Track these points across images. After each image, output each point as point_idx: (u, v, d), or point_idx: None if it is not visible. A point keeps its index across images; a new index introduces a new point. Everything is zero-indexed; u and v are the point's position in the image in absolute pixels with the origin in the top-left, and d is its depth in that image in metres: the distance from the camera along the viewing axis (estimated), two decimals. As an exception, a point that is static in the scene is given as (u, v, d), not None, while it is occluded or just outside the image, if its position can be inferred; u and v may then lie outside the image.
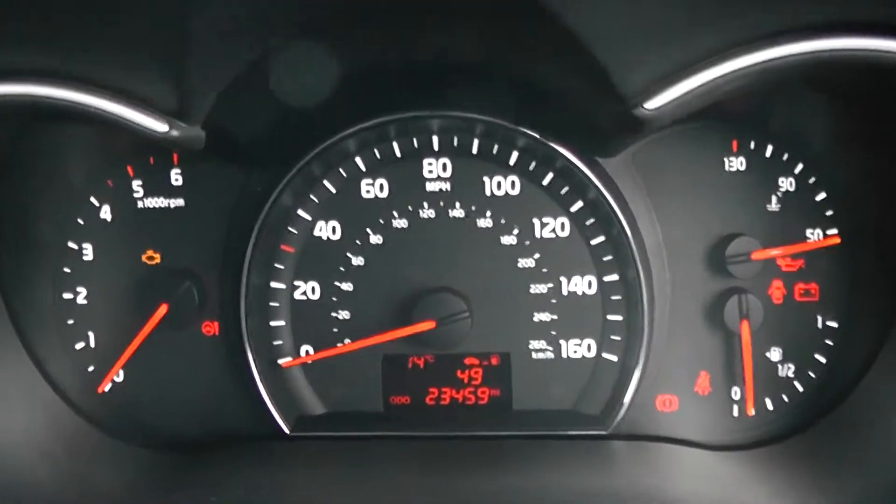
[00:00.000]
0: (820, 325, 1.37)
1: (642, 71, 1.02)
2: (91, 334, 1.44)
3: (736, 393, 1.39)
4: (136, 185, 1.41)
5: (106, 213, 1.42)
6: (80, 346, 1.44)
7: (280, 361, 1.42)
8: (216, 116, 1.12)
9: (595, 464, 1.30)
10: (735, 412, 1.39)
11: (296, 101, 1.26)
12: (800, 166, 1.36)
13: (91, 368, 1.44)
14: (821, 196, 1.35)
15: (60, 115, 1.06)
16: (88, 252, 1.42)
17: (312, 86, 1.24)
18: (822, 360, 1.37)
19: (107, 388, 1.44)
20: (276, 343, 1.43)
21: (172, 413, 1.44)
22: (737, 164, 1.37)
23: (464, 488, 1.21)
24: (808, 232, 1.36)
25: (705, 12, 0.98)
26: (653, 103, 1.03)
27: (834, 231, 1.35)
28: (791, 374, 1.38)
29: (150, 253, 1.43)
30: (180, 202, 1.42)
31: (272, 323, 1.43)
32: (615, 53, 1.00)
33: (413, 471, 1.28)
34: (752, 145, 1.36)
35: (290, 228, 1.41)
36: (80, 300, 1.43)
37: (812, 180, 1.35)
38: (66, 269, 1.42)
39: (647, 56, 1.01)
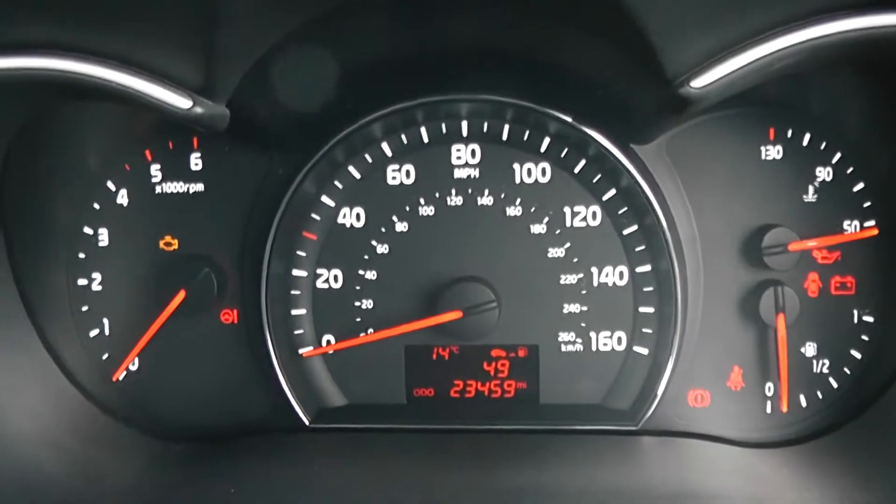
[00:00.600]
0: (856, 319, 1.35)
1: (691, 49, 1.01)
2: (106, 321, 1.42)
3: (769, 389, 1.37)
4: (154, 169, 1.39)
5: (123, 197, 1.40)
6: (94, 333, 1.42)
7: (301, 351, 1.41)
8: (242, 95, 1.10)
9: (624, 460, 1.29)
10: (768, 408, 1.38)
11: (323, 84, 1.24)
12: (837, 156, 1.34)
13: (105, 356, 1.42)
14: (858, 187, 1.34)
15: (82, 90, 1.03)
16: (104, 237, 1.40)
17: (340, 69, 1.22)
18: (858, 355, 1.35)
19: (121, 377, 1.42)
20: (296, 332, 1.41)
21: (188, 403, 1.43)
22: (773, 152, 1.35)
23: (488, 483, 1.19)
24: (846, 223, 1.34)
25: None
26: (699, 81, 1.02)
27: (871, 223, 1.33)
28: (826, 370, 1.36)
29: (167, 239, 1.40)
30: (199, 187, 1.39)
31: (293, 311, 1.41)
32: (664, 32, 0.98)
33: (436, 465, 1.27)
34: (790, 134, 1.34)
35: (313, 215, 1.39)
36: (95, 286, 1.41)
37: (850, 170, 1.33)
38: (81, 255, 1.40)
39: (696, 34, 0.99)
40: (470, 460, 1.28)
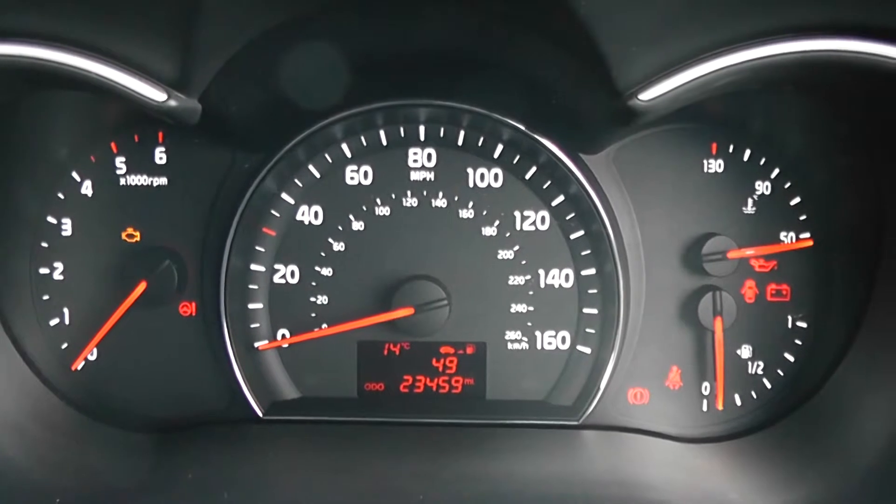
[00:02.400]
0: (790, 324, 1.40)
1: (640, 64, 1.05)
2: (66, 311, 1.42)
3: (706, 388, 1.41)
4: (119, 161, 1.40)
5: (87, 188, 1.40)
6: (54, 322, 1.42)
7: (256, 344, 1.42)
8: (214, 91, 1.12)
9: (566, 452, 1.32)
10: (704, 407, 1.42)
11: (290, 84, 1.26)
12: (776, 171, 1.38)
13: (65, 346, 1.42)
14: (795, 200, 1.38)
15: (57, 79, 1.05)
16: (67, 227, 1.41)
17: (307, 71, 1.24)
18: (791, 358, 1.40)
19: (80, 367, 1.42)
20: (253, 326, 1.43)
21: (146, 393, 1.43)
22: (715, 166, 1.39)
23: (437, 471, 1.22)
24: (782, 234, 1.39)
25: (701, 11, 1.01)
26: (647, 94, 1.06)
27: (807, 235, 1.38)
28: (760, 372, 1.41)
29: (130, 231, 1.42)
30: (163, 181, 1.41)
31: (250, 305, 1.42)
32: (616, 46, 1.02)
33: (385, 456, 1.29)
34: (731, 149, 1.39)
35: (272, 211, 1.41)
36: (57, 276, 1.41)
37: (787, 185, 1.38)
38: (44, 244, 1.41)
39: (646, 50, 1.04)
40: (419, 451, 1.30)
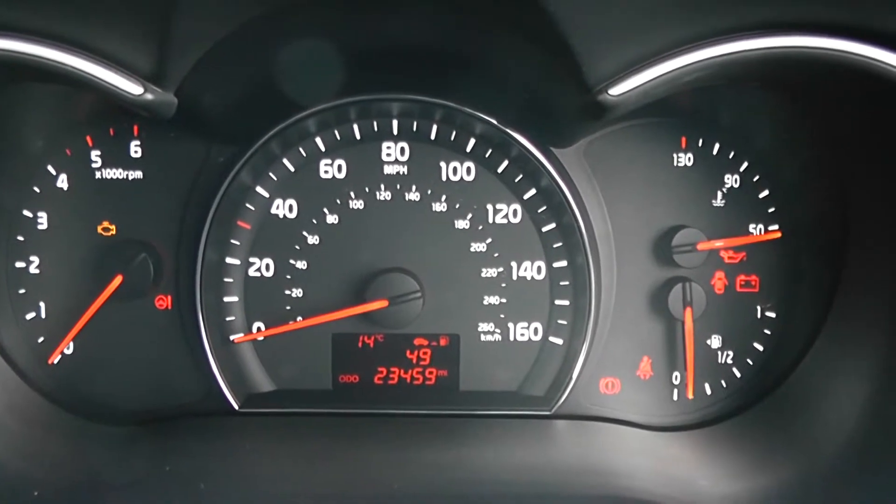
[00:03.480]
0: (759, 314, 1.42)
1: (610, 59, 1.06)
2: (42, 305, 1.42)
3: (676, 378, 1.43)
4: (95, 155, 1.40)
5: (63, 182, 1.40)
6: (30, 316, 1.42)
7: (232, 337, 1.43)
8: (190, 85, 1.12)
9: (538, 441, 1.34)
10: (675, 396, 1.43)
11: (265, 78, 1.27)
12: (745, 164, 1.40)
13: (41, 339, 1.42)
14: (764, 193, 1.40)
15: (31, 73, 1.06)
16: (43, 221, 1.40)
17: (282, 65, 1.24)
18: (760, 347, 1.42)
19: (56, 360, 1.42)
20: (228, 319, 1.43)
21: (122, 387, 1.43)
22: (685, 159, 1.41)
23: (409, 462, 1.23)
24: (751, 226, 1.41)
25: (670, 8, 1.02)
26: (617, 90, 1.07)
27: (775, 227, 1.40)
28: (730, 361, 1.43)
29: (105, 224, 1.41)
30: (139, 174, 1.41)
31: (226, 298, 1.43)
32: (586, 43, 1.03)
33: (360, 446, 1.30)
34: (701, 143, 1.40)
35: (247, 205, 1.41)
36: (33, 269, 1.41)
37: (756, 178, 1.40)
38: (20, 238, 1.40)
39: (615, 46, 1.05)
40: (393, 441, 1.31)
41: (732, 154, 1.40)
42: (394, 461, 1.24)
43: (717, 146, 1.40)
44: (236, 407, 1.41)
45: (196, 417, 1.41)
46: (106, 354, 1.43)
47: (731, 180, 1.41)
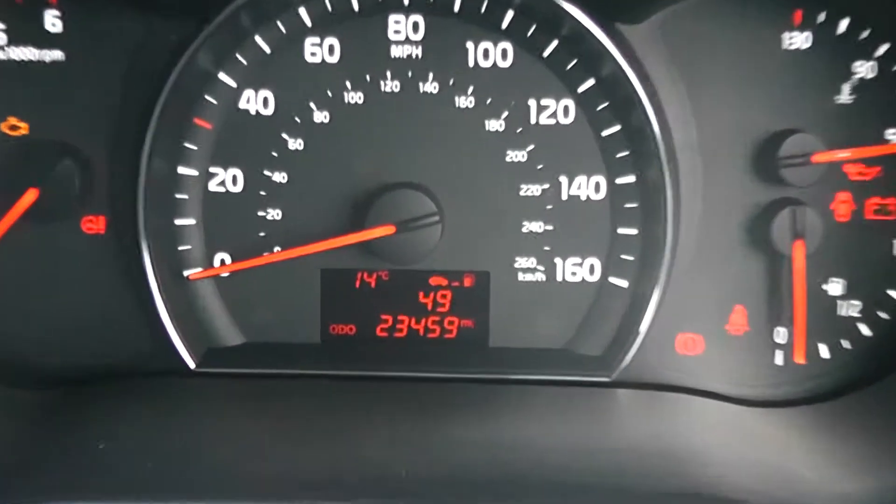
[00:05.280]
0: (896, 251, 1.28)
1: None
2: None
3: (780, 335, 1.27)
4: (-3, 29, 1.27)
5: None
6: None
7: (186, 273, 1.29)
8: None
9: (593, 416, 1.22)
10: (779, 359, 1.28)
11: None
12: (883, 48, 1.23)
13: None
14: (908, 88, 1.27)
15: None
16: None
17: None
18: (897, 297, 1.28)
19: None
20: (182, 248, 1.29)
21: (42, 337, 1.30)
22: (799, 40, 1.23)
23: (421, 440, 1.12)
24: (889, 132, 1.24)
25: None
26: None
27: (924, 132, 1.27)
28: (855, 314, 1.27)
29: (12, 121, 1.26)
30: (58, 55, 1.24)
31: (178, 221, 1.29)
32: None
33: (356, 419, 1.17)
34: (822, 17, 1.23)
35: (207, 97, 1.26)
36: None
37: None
38: None
39: None
40: (400, 413, 1.19)
41: (867, 33, 1.23)
42: (401, 439, 1.12)
43: (844, 22, 1.23)
44: (192, 365, 1.27)
45: (139, 379, 1.27)
46: (19, 294, 1.29)
47: (864, 69, 1.23)
